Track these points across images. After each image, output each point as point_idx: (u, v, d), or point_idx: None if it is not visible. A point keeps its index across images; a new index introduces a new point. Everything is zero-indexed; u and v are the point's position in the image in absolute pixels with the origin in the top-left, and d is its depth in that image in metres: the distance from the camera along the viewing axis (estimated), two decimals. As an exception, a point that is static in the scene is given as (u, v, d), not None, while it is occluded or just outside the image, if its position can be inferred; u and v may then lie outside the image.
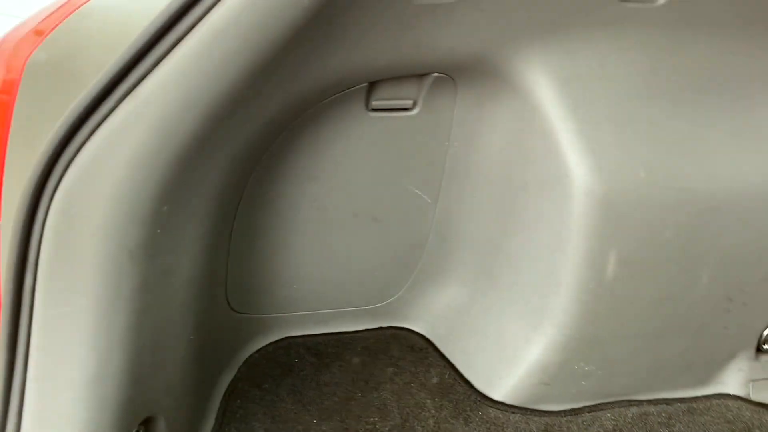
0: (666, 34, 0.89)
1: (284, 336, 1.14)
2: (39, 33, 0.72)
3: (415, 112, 0.97)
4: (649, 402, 1.10)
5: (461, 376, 1.10)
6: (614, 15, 0.87)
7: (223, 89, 0.66)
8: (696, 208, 0.93)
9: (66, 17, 0.73)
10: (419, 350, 1.16)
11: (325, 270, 1.09)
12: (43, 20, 0.73)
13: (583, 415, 1.06)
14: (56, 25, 0.72)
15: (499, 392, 1.05)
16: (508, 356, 1.04)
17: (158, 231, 0.70)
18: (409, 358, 1.13)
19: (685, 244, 0.94)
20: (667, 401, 1.11)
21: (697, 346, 1.06)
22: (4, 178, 0.73)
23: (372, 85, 0.91)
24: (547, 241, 0.94)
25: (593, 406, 1.08)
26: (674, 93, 0.92)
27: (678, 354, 1.05)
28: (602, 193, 0.88)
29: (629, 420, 1.06)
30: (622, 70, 0.91)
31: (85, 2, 0.73)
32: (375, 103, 0.94)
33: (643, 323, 0.99)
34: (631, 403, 1.09)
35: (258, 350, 1.11)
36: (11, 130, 0.72)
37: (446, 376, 1.10)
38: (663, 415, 1.08)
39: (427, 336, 1.18)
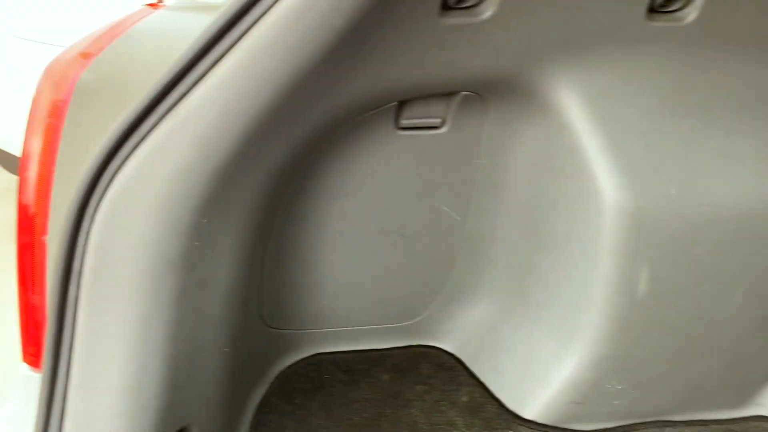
0: (693, 52, 0.90)
1: (315, 352, 1.15)
2: (87, 55, 0.76)
3: (443, 130, 0.99)
4: (685, 423, 1.08)
5: (491, 394, 1.10)
6: (641, 33, 0.88)
7: (260, 107, 0.69)
8: (728, 224, 0.92)
9: (112, 40, 0.77)
10: (449, 368, 1.16)
11: (354, 286, 1.10)
12: (90, 43, 0.77)
13: (615, 435, 1.05)
14: (103, 48, 0.76)
15: (529, 411, 1.05)
16: (538, 374, 1.03)
17: (197, 243, 0.73)
18: (438, 376, 1.13)
19: (717, 262, 0.94)
20: (703, 422, 1.09)
21: (733, 365, 1.04)
22: (52, 195, 0.76)
23: (401, 104, 0.94)
24: (577, 258, 0.95)
25: (626, 426, 1.06)
26: (703, 110, 0.92)
27: (713, 373, 1.04)
28: (632, 209, 0.88)
29: (664, 441, 1.05)
30: (650, 87, 0.91)
31: (130, 26, 0.77)
32: (404, 122, 0.96)
33: (676, 341, 0.98)
34: (665, 423, 1.07)
35: (289, 365, 1.12)
36: (60, 147, 0.76)
37: (476, 395, 1.10)
38: (699, 437, 1.06)
39: (457, 354, 1.18)
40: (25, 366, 0.81)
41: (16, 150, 2.45)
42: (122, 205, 0.69)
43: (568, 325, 0.98)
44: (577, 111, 0.91)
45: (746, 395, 1.10)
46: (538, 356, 1.03)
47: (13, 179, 3.28)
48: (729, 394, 1.09)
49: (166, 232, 0.70)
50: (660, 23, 0.88)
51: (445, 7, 0.79)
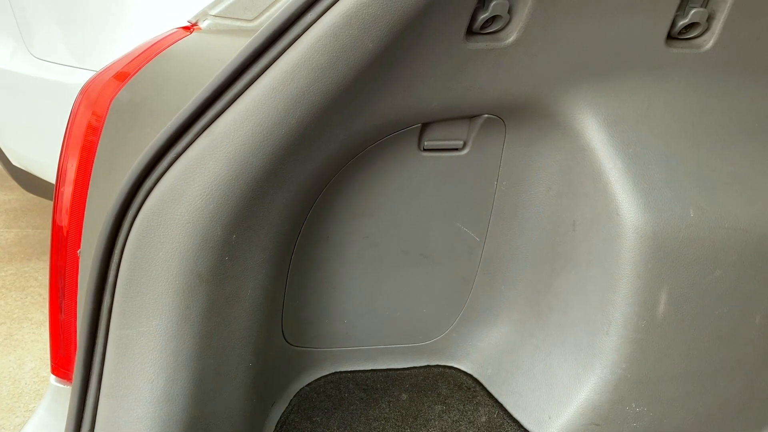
0: (713, 77, 0.92)
1: (334, 371, 1.16)
2: (123, 75, 0.79)
3: (465, 152, 1.01)
4: (704, 447, 1.08)
5: (510, 415, 1.10)
6: (661, 59, 0.90)
7: (292, 126, 0.71)
8: (746, 247, 0.93)
9: (148, 61, 0.79)
10: (467, 389, 1.16)
11: (374, 305, 1.12)
12: (126, 64, 0.80)
13: (635, 459, 1.05)
14: (139, 68, 0.79)
15: (548, 433, 1.05)
16: (557, 396, 1.03)
17: (226, 258, 0.75)
18: (457, 397, 1.14)
19: (736, 284, 0.94)
20: (722, 447, 1.08)
21: (752, 387, 1.04)
22: (86, 210, 0.78)
23: (424, 126, 0.96)
24: (596, 280, 0.96)
25: (645, 449, 1.06)
26: (723, 134, 0.94)
27: (733, 395, 1.04)
28: (652, 231, 0.90)
29: (683, 465, 1.04)
30: (670, 111, 0.93)
31: (166, 47, 0.80)
32: (427, 143, 0.98)
33: (695, 363, 0.98)
34: (684, 447, 1.07)
35: (309, 383, 1.13)
36: (95, 165, 0.78)
37: (495, 416, 1.10)
38: (719, 461, 1.06)
39: (475, 375, 1.19)
40: (54, 378, 0.83)
41: (34, 169, 2.48)
42: (157, 220, 0.71)
43: (587, 346, 0.99)
44: (597, 135, 0.92)
45: (766, 417, 1.10)
46: (557, 377, 1.04)
47: (29, 198, 3.33)
48: (749, 416, 1.08)
49: (198, 247, 0.72)
50: (679, 49, 0.90)
51: (470, 32, 0.81)
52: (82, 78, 2.25)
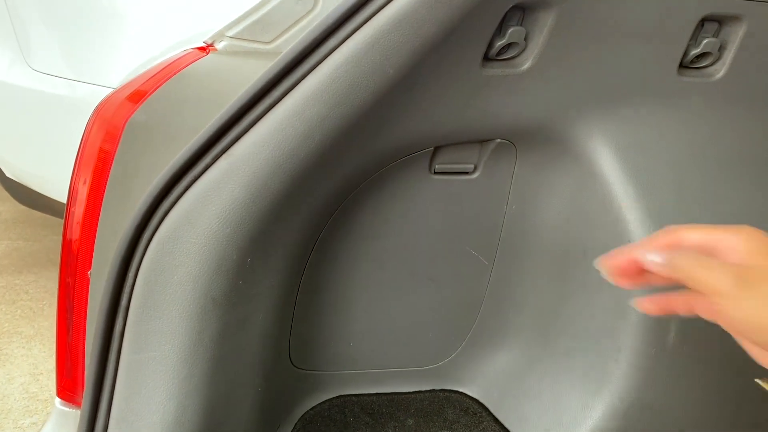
0: (725, 107, 0.93)
1: (339, 394, 1.15)
2: (138, 95, 0.78)
3: (475, 175, 1.01)
4: (712, 476, 1.07)
5: (516, 441, 1.09)
6: (673, 87, 0.91)
7: (311, 150, 0.71)
8: (757, 276, 0.93)
9: (164, 81, 0.79)
10: (473, 414, 1.15)
11: (380, 328, 1.11)
12: (142, 84, 0.79)
13: (642, 487, 1.04)
14: (155, 89, 0.78)
15: (555, 460, 1.04)
16: (565, 423, 1.03)
17: (241, 282, 0.74)
18: (463, 422, 1.13)
19: (746, 313, 0.94)
20: (729, 476, 1.08)
21: (763, 417, 1.04)
22: (98, 230, 0.77)
23: (437, 149, 0.96)
24: (606, 306, 0.95)
25: (652, 478, 1.06)
26: (733, 164, 0.95)
27: (747, 425, 1.03)
28: (663, 259, 0.89)
29: (691, 495, 1.04)
30: (682, 139, 0.94)
31: (182, 68, 0.79)
32: (438, 167, 0.98)
33: (705, 392, 0.98)
34: (692, 476, 1.06)
35: (313, 407, 1.12)
36: (108, 185, 0.77)
37: (500, 442, 1.09)
38: (726, 491, 1.05)
39: (481, 400, 1.18)
40: (59, 401, 0.81)
41: (28, 181, 2.46)
42: (172, 243, 0.70)
43: (596, 373, 0.98)
44: (609, 161, 0.92)
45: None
46: (565, 404, 1.03)
47: (21, 210, 3.29)
48: (758, 447, 1.08)
49: (213, 271, 0.71)
50: (691, 78, 0.91)
51: (487, 58, 0.81)
52: (81, 91, 2.24)
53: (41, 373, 2.23)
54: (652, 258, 0.55)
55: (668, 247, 0.56)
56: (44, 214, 2.69)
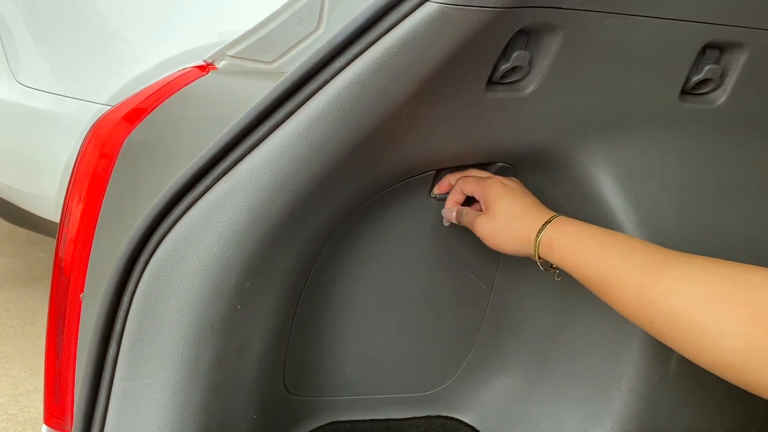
0: (726, 133, 0.93)
1: (332, 420, 1.12)
2: (136, 115, 0.77)
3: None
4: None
5: (514, 470, 1.07)
6: (674, 113, 0.91)
7: (313, 172, 0.70)
8: (758, 303, 0.93)
9: (162, 100, 0.77)
10: (470, 441, 1.13)
11: (376, 354, 1.09)
12: (140, 102, 0.77)
13: None
14: (153, 108, 0.77)
15: (554, 489, 1.02)
16: (564, 451, 1.01)
17: (239, 306, 0.72)
18: (459, 449, 1.11)
19: (748, 340, 0.94)
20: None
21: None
22: (92, 253, 0.75)
23: (438, 172, 0.95)
24: (607, 332, 0.94)
25: (653, 508, 1.04)
26: (735, 190, 0.94)
27: (746, 454, 1.02)
28: (665, 285, 0.89)
29: None
30: (682, 166, 0.93)
31: (181, 87, 0.78)
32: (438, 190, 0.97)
33: (708, 421, 0.97)
34: (692, 506, 1.05)
35: (306, 434, 1.09)
36: (103, 206, 0.75)
37: (498, 470, 1.07)
38: None
39: (478, 427, 1.15)
40: (47, 428, 0.78)
41: (13, 198, 2.41)
42: (170, 267, 0.68)
43: (596, 400, 0.97)
44: (610, 187, 0.92)
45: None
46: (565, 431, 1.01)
47: (2, 225, 3.23)
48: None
49: (211, 296, 0.69)
50: (692, 104, 0.91)
51: (491, 82, 0.81)
52: (69, 107, 2.21)
53: (21, 394, 2.18)
54: (453, 181, 0.93)
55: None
56: (27, 230, 2.64)
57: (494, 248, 0.86)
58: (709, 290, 0.64)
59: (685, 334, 0.65)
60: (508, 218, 0.83)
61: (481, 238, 0.86)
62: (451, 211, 0.93)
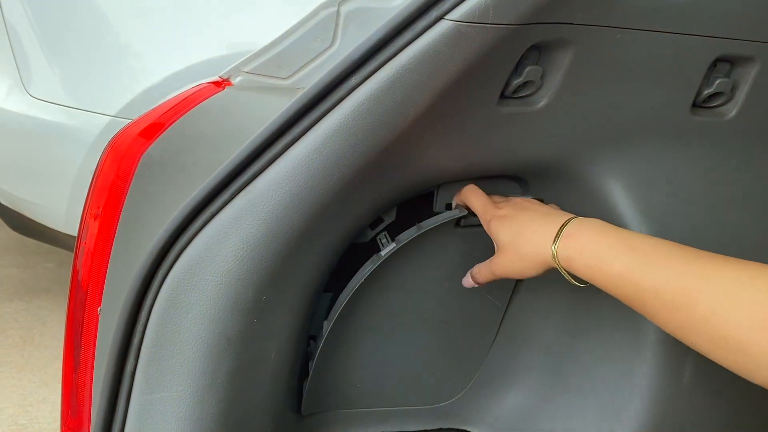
0: (737, 145, 0.93)
1: (344, 432, 1.12)
2: (153, 130, 0.78)
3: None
4: None
5: (526, 483, 1.07)
6: (685, 126, 0.91)
7: (330, 187, 0.70)
8: (772, 316, 0.92)
9: (179, 116, 0.78)
10: (481, 454, 1.13)
11: (389, 366, 1.09)
12: (157, 118, 0.78)
13: None
14: (170, 124, 0.77)
15: (567, 502, 1.02)
16: (577, 464, 1.01)
17: (255, 320, 0.73)
18: (471, 462, 1.10)
19: (761, 353, 0.93)
20: None
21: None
22: (109, 266, 0.76)
23: (438, 188, 0.95)
24: (621, 344, 0.94)
25: None
26: (747, 204, 0.95)
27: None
28: (678, 298, 0.89)
29: None
30: (694, 178, 0.94)
31: (198, 102, 0.79)
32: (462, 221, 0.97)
33: (721, 433, 0.97)
34: None
35: (317, 447, 1.09)
36: (121, 220, 0.76)
37: (510, 483, 1.07)
38: None
39: (490, 439, 1.15)
40: (64, 442, 0.78)
41: (24, 209, 2.43)
42: (187, 282, 0.68)
43: (610, 413, 0.97)
44: (623, 199, 0.92)
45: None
46: (578, 445, 1.01)
47: (13, 236, 3.26)
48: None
49: (228, 310, 0.70)
50: (703, 118, 0.91)
51: (503, 96, 0.81)
52: (81, 120, 2.23)
53: (31, 405, 2.18)
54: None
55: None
56: (37, 241, 2.66)
57: (525, 278, 0.87)
58: (752, 314, 0.61)
59: (731, 356, 0.64)
60: (516, 248, 0.82)
61: (491, 234, 0.87)
62: (467, 279, 0.95)
